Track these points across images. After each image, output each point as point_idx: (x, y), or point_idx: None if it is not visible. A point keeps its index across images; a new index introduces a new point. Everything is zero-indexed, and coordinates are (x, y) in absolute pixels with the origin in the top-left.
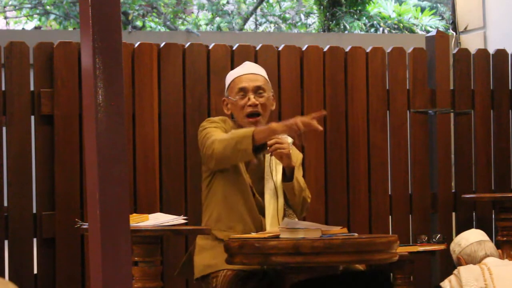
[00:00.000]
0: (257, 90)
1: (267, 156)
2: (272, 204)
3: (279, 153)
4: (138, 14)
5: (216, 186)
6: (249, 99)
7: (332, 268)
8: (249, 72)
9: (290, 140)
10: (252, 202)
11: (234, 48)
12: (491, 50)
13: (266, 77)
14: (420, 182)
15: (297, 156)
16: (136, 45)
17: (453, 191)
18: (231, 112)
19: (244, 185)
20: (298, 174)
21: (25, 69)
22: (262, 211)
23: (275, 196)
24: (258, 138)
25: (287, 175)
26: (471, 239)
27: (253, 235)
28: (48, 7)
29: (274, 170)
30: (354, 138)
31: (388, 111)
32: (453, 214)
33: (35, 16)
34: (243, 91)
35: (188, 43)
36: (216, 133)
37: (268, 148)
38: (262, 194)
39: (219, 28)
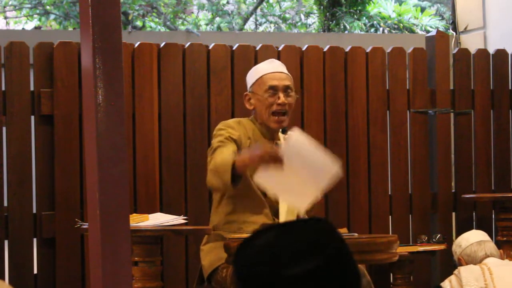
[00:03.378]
0: (286, 90)
1: None
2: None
3: None
4: (138, 14)
5: None
6: (279, 97)
7: None
8: (279, 70)
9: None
10: (263, 202)
11: (234, 48)
12: (491, 50)
13: (290, 75)
14: (420, 182)
15: None
16: (136, 45)
17: (453, 191)
18: (254, 107)
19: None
20: None
21: (25, 69)
22: (275, 212)
23: None
24: (238, 169)
25: None
26: (471, 239)
27: None
28: (48, 7)
29: None
30: (354, 138)
31: (388, 111)
32: (453, 214)
33: (35, 16)
34: (273, 89)
35: (188, 43)
36: (216, 155)
37: None
38: None
39: (219, 28)
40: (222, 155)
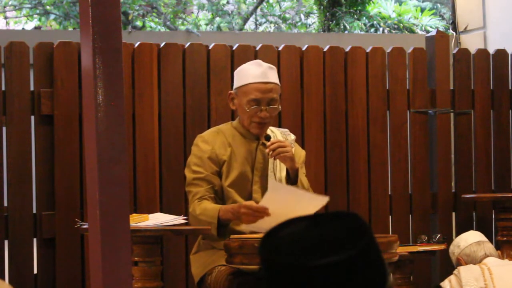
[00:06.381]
0: (270, 102)
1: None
2: None
3: (282, 157)
4: (138, 14)
5: None
6: (260, 110)
7: None
8: (266, 80)
9: (293, 137)
10: None
11: (234, 48)
12: (491, 50)
13: (278, 80)
14: (420, 182)
15: (300, 154)
16: (136, 45)
17: (453, 191)
18: (236, 109)
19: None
20: (301, 173)
21: (25, 69)
22: None
23: None
24: (223, 220)
25: (291, 177)
26: (470, 240)
27: (253, 235)
28: (48, 7)
29: (278, 167)
30: (354, 138)
31: (388, 111)
32: (453, 214)
33: (35, 16)
34: (256, 102)
35: (188, 43)
36: (196, 189)
37: (270, 152)
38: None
39: (219, 28)
40: (205, 212)
